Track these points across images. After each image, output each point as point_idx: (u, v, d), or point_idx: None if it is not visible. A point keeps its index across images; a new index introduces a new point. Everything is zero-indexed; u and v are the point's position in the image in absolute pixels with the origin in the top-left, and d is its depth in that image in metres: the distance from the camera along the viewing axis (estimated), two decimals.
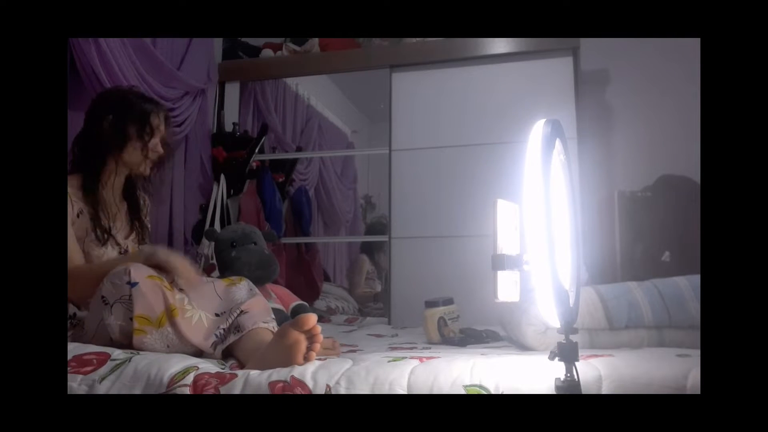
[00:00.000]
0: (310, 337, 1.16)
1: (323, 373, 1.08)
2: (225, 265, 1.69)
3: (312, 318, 1.16)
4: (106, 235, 1.53)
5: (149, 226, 1.73)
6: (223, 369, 1.17)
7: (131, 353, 1.20)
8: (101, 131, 1.56)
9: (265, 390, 1.05)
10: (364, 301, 2.99)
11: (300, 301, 1.82)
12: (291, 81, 3.22)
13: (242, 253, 1.68)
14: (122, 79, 2.05)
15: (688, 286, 1.39)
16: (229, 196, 2.74)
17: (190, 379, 1.08)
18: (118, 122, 1.57)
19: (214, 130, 2.88)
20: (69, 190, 1.50)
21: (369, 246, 3.02)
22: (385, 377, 1.05)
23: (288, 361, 1.13)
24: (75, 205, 1.50)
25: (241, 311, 1.31)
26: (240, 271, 1.62)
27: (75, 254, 1.46)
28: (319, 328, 1.17)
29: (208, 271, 2.16)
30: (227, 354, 1.31)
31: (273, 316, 1.35)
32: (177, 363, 1.14)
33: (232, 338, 1.28)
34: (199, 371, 1.11)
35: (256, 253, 1.69)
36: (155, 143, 1.61)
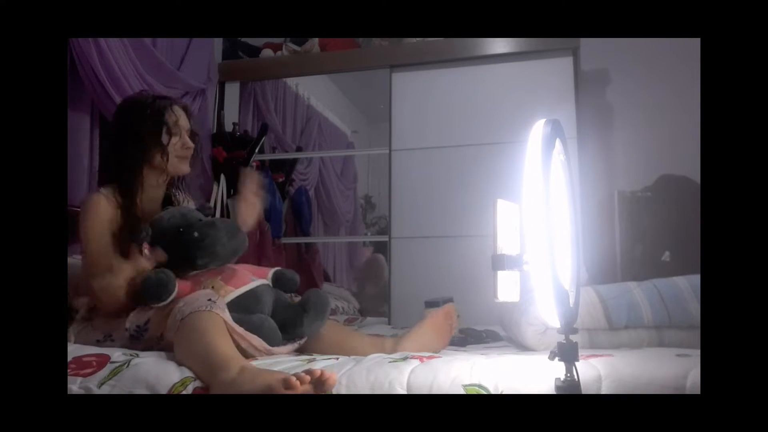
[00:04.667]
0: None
1: None
2: (192, 254, 1.41)
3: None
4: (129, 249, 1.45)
5: None
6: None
7: (131, 355, 1.20)
8: (125, 147, 1.51)
9: None
10: (376, 302, 2.97)
11: (275, 269, 1.60)
12: (291, 81, 3.22)
13: (207, 229, 1.42)
14: (122, 79, 2.05)
15: (688, 286, 1.39)
16: (229, 196, 2.74)
17: (189, 389, 1.08)
18: (137, 133, 1.51)
19: (214, 130, 2.88)
20: (114, 199, 1.46)
21: (381, 246, 3.00)
22: (385, 377, 1.05)
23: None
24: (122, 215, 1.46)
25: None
26: (213, 249, 1.40)
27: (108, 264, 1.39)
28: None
29: None
30: None
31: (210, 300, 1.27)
32: (176, 372, 1.12)
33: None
34: (197, 383, 1.09)
35: (223, 225, 1.45)
36: (178, 141, 1.54)
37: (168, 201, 1.61)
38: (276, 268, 1.59)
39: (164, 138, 1.52)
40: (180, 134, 1.56)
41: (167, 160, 1.53)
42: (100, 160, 1.58)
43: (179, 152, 1.55)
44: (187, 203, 1.66)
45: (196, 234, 1.40)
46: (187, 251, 1.40)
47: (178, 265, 1.40)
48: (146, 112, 1.53)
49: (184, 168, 1.58)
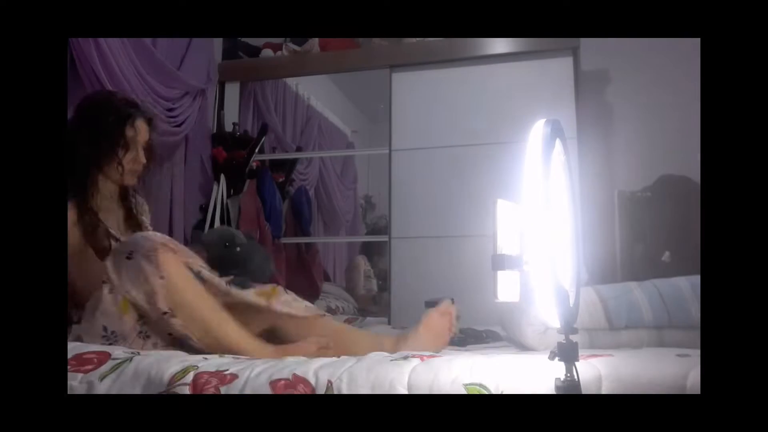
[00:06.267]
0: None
1: (325, 370, 1.08)
2: (229, 264, 1.68)
3: None
4: (107, 242, 1.50)
5: (149, 228, 1.69)
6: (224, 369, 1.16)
7: (132, 353, 1.20)
8: (79, 149, 1.49)
9: (266, 388, 1.05)
10: (364, 303, 2.99)
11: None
12: (291, 81, 3.22)
13: (248, 250, 1.71)
14: (122, 79, 2.05)
15: (688, 286, 1.39)
16: (229, 196, 2.74)
17: (189, 378, 1.09)
18: (91, 141, 1.50)
19: (214, 130, 2.88)
20: (76, 205, 1.47)
21: (367, 247, 3.03)
22: (386, 375, 1.05)
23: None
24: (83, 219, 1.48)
25: None
26: (247, 268, 1.65)
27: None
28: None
29: None
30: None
31: None
32: (177, 362, 1.14)
33: None
34: (199, 370, 1.11)
35: (259, 251, 1.73)
36: (134, 155, 1.55)
37: (124, 200, 1.63)
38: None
39: (120, 153, 1.52)
40: (134, 149, 1.55)
41: (122, 173, 1.54)
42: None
43: (129, 166, 1.56)
44: (145, 209, 1.70)
45: (238, 249, 1.71)
46: (225, 261, 1.67)
47: (223, 267, 1.64)
48: (108, 120, 1.52)
49: (130, 180, 1.59)
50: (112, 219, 1.57)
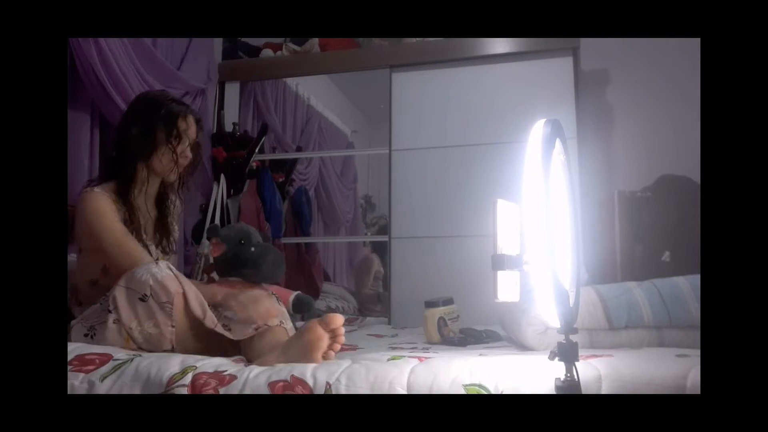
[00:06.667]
0: (333, 336, 1.21)
1: (323, 371, 1.08)
2: (241, 262, 1.67)
3: (339, 318, 1.21)
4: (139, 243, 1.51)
5: (176, 233, 1.71)
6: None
7: (134, 354, 1.21)
8: (130, 139, 1.53)
9: (264, 389, 1.05)
10: (368, 302, 2.98)
11: (296, 292, 1.82)
12: (291, 81, 3.22)
13: (262, 251, 1.70)
14: (122, 79, 2.05)
15: (688, 286, 1.39)
16: (229, 196, 2.74)
17: (188, 379, 1.09)
18: (145, 128, 1.53)
19: (214, 130, 2.88)
20: (110, 196, 1.49)
21: (381, 246, 3.02)
22: (385, 376, 1.05)
23: (308, 356, 1.18)
24: (119, 210, 1.50)
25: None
26: (259, 268, 1.64)
27: (143, 254, 1.46)
28: (342, 329, 1.22)
29: (207, 271, 2.15)
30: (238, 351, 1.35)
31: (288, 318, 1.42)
32: (176, 363, 1.15)
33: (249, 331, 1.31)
34: (198, 371, 1.11)
35: (273, 251, 1.72)
36: (183, 149, 1.57)
37: (160, 202, 1.64)
38: (296, 292, 1.81)
39: (173, 142, 1.54)
40: (185, 141, 1.57)
41: (176, 162, 1.56)
42: (103, 152, 1.58)
43: (177, 160, 1.56)
44: (174, 208, 1.70)
45: (253, 249, 1.68)
46: (238, 259, 1.66)
47: (227, 266, 1.66)
48: (161, 112, 1.54)
49: (173, 176, 1.60)
50: (142, 219, 1.57)
